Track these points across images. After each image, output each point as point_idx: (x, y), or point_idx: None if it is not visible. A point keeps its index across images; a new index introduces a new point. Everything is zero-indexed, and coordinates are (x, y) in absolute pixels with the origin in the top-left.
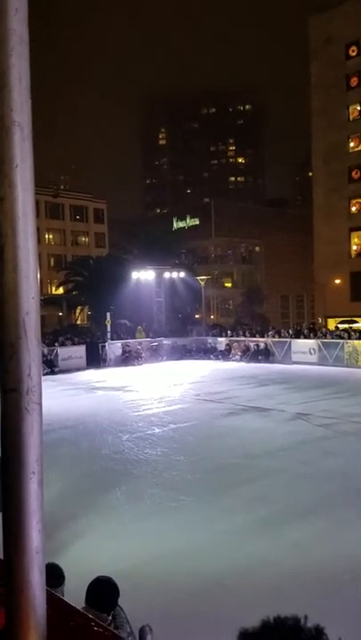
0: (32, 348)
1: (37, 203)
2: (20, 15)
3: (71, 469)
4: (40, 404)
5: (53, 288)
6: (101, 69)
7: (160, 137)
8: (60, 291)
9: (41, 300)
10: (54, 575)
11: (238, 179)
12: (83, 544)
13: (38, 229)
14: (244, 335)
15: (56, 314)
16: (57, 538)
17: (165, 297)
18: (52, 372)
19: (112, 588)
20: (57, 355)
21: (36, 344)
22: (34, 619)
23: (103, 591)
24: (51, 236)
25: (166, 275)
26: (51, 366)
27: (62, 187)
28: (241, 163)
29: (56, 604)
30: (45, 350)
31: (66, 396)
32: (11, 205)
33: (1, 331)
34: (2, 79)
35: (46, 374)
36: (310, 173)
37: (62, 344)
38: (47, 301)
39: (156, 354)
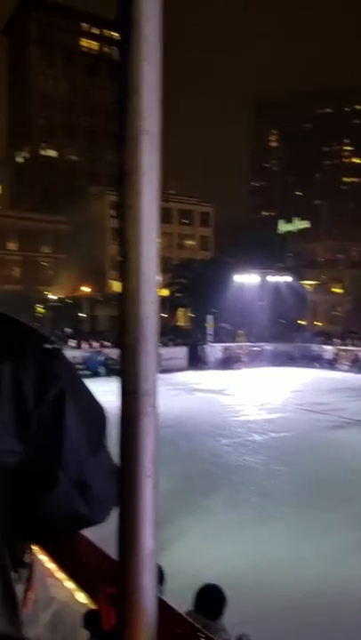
0: (150, 352)
1: None
2: (153, 23)
3: (171, 469)
4: (155, 408)
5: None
6: (211, 70)
7: (271, 139)
8: (166, 292)
9: None
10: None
11: (353, 179)
12: (181, 545)
13: None
14: (354, 344)
15: (160, 314)
16: (159, 536)
17: (268, 301)
18: None
19: (220, 597)
20: (159, 355)
21: (154, 348)
22: (144, 622)
23: (212, 599)
24: (159, 240)
25: (270, 278)
26: None
27: (172, 191)
28: (357, 163)
29: (163, 609)
30: None
31: (167, 395)
32: (136, 213)
33: (121, 334)
34: (133, 87)
35: None
36: None
37: (165, 344)
38: None
39: (256, 359)
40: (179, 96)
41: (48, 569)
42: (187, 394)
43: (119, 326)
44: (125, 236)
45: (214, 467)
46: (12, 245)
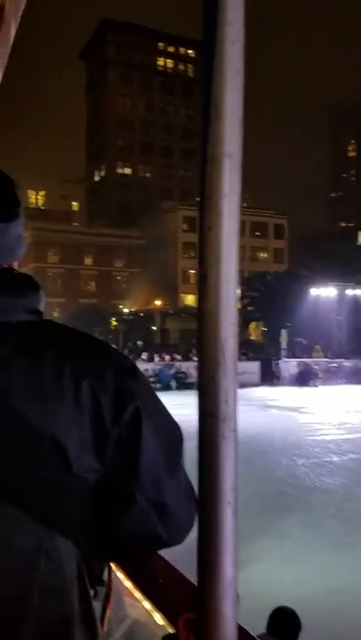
0: (230, 375)
1: None
2: (237, 46)
3: (244, 487)
4: (236, 432)
5: None
6: (285, 79)
7: (349, 149)
8: (238, 306)
9: None
10: None
11: None
12: (255, 566)
13: None
14: None
15: None
16: None
17: (347, 315)
18: None
19: (294, 621)
20: None
21: (234, 370)
22: None
23: (286, 622)
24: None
25: (349, 292)
26: None
27: (244, 204)
28: None
29: (241, 635)
30: None
31: (241, 411)
32: (216, 234)
33: (200, 355)
34: (215, 111)
35: None
36: None
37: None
38: None
39: (334, 375)
40: (247, 102)
41: (125, 587)
42: (261, 410)
43: (198, 348)
44: (205, 257)
45: (290, 487)
46: (88, 261)
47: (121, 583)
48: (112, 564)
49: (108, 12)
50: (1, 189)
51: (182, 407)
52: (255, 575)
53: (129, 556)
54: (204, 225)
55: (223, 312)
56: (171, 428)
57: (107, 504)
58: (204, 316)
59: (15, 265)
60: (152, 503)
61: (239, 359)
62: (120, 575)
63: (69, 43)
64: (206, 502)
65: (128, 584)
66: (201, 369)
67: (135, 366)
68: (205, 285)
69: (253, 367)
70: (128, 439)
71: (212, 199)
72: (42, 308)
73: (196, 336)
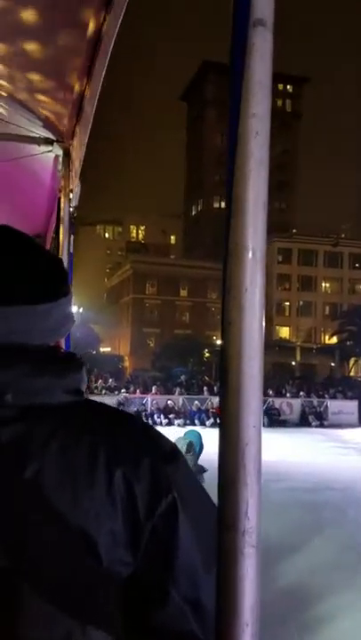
0: (251, 484)
1: (316, 252)
2: (260, 138)
3: (334, 538)
4: (257, 548)
5: (327, 337)
6: None
7: None
8: (334, 340)
9: (314, 349)
10: None
11: None
12: (342, 623)
13: (315, 278)
14: None
15: (328, 364)
16: (314, 612)
17: None
18: (322, 425)
19: None
20: (327, 407)
21: (256, 479)
22: None
23: None
24: (327, 285)
25: None
26: (320, 419)
27: (343, 235)
28: None
29: None
30: (315, 402)
31: (335, 454)
32: (237, 329)
33: (220, 459)
34: (237, 203)
35: (316, 427)
36: None
37: (333, 397)
38: (320, 351)
39: None
40: (331, 128)
41: None
42: (358, 454)
43: (219, 450)
44: (226, 353)
45: None
46: (183, 292)
47: None
48: None
49: (207, 54)
50: (47, 268)
51: (269, 448)
52: (339, 634)
53: None
54: (225, 319)
55: (245, 413)
56: (211, 518)
57: (140, 598)
58: (224, 417)
59: (62, 342)
60: (187, 600)
61: (335, 397)
62: None
63: (169, 83)
64: (222, 623)
65: None
66: (220, 474)
67: (176, 451)
68: (225, 382)
69: (351, 407)
70: (163, 533)
71: (232, 293)
72: (83, 387)
73: (219, 437)
